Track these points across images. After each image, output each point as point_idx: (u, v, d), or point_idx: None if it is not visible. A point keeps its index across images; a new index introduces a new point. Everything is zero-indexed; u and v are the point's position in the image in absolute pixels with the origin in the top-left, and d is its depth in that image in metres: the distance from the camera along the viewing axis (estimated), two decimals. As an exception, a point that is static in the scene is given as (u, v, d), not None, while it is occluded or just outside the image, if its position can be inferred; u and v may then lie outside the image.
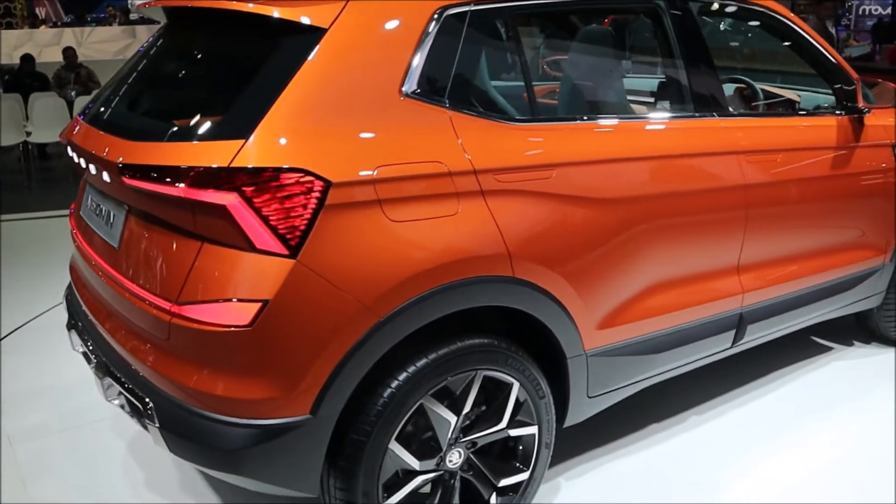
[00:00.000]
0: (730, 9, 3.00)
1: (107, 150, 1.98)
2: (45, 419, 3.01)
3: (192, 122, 1.88)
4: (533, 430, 2.24)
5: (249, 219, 1.74)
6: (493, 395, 2.16)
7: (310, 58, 1.86)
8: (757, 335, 2.86)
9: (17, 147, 7.77)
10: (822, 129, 2.96)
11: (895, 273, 3.36)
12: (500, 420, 2.17)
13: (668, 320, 2.49)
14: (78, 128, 2.26)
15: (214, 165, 1.74)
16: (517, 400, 2.18)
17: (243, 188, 1.73)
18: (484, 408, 2.16)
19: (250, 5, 1.96)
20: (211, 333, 1.78)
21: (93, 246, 2.29)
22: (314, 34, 1.89)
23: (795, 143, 2.84)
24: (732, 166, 2.57)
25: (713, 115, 2.59)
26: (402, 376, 1.94)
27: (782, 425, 2.93)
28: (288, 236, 1.75)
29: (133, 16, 14.96)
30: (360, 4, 1.96)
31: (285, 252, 1.75)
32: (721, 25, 4.35)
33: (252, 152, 1.75)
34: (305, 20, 1.89)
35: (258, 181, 1.73)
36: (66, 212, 2.71)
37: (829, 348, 3.60)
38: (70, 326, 2.43)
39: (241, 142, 1.76)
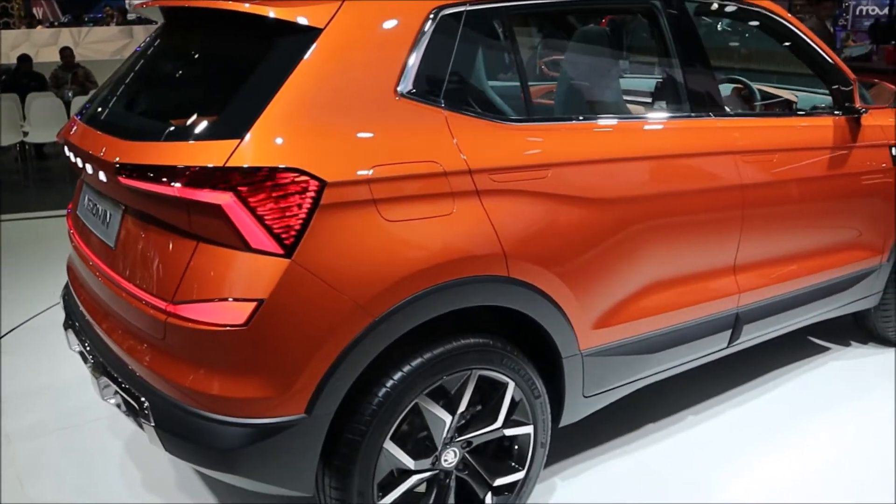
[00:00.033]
0: (727, 9, 3.00)
1: (103, 149, 1.98)
2: (42, 418, 3.01)
3: (188, 121, 1.88)
4: (528, 429, 2.24)
5: (244, 218, 1.74)
6: (489, 394, 2.16)
7: (305, 58, 1.86)
8: (753, 335, 2.87)
9: (15, 147, 7.78)
10: (819, 129, 2.96)
11: (892, 273, 3.36)
12: (495, 419, 2.17)
13: (664, 320, 2.50)
14: (75, 128, 2.27)
15: (210, 165, 1.74)
16: (512, 399, 2.18)
17: (238, 188, 1.73)
18: (479, 407, 2.17)
19: (246, 5, 1.96)
20: (206, 333, 1.79)
21: (90, 245, 2.29)
22: (310, 34, 1.89)
23: (792, 144, 2.85)
24: (729, 166, 2.57)
25: (709, 116, 2.60)
26: (397, 376, 1.94)
27: (779, 425, 2.93)
28: (283, 236, 1.76)
29: (130, 16, 14.94)
30: (356, 4, 1.96)
31: (280, 251, 1.76)
32: (719, 26, 4.35)
33: (247, 152, 1.75)
34: (301, 20, 1.90)
35: (253, 181, 1.74)
36: (64, 212, 2.72)
37: (827, 348, 3.60)
38: (67, 326, 2.43)
39: (237, 141, 1.76)
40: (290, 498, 2.05)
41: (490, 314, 2.16)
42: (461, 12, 2.07)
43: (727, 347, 2.79)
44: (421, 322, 1.93)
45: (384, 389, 1.93)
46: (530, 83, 2.53)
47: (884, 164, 3.15)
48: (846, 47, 9.79)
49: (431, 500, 2.15)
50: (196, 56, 2.32)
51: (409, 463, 2.04)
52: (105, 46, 13.18)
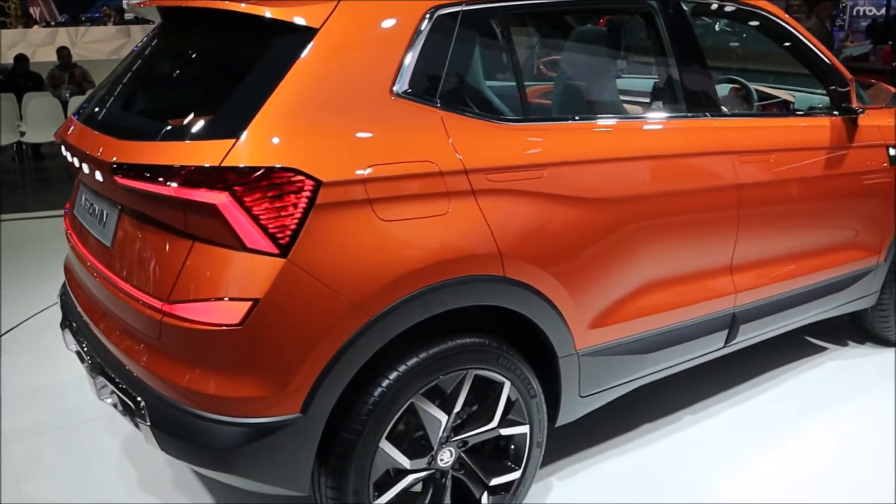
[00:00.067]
0: (724, 9, 3.00)
1: (99, 149, 1.99)
2: (40, 418, 3.01)
3: (185, 121, 1.89)
4: (524, 429, 2.25)
5: (240, 218, 1.74)
6: (485, 394, 2.16)
7: (301, 58, 1.86)
8: (750, 335, 2.87)
9: (11, 147, 7.77)
10: (816, 129, 2.96)
11: (889, 273, 3.36)
12: (491, 419, 2.17)
13: (661, 320, 2.50)
14: (72, 127, 2.27)
15: (205, 164, 1.75)
16: (508, 399, 2.18)
17: (234, 187, 1.73)
18: (475, 407, 2.17)
19: (242, 5, 1.97)
20: (201, 332, 1.79)
21: (86, 245, 2.29)
22: (306, 34, 1.89)
23: (789, 144, 2.85)
24: (725, 166, 2.57)
25: (706, 116, 2.60)
26: (393, 375, 1.94)
27: (776, 425, 2.93)
28: (278, 235, 1.76)
29: (128, 15, 14.93)
30: (352, 4, 1.96)
31: (275, 251, 1.76)
32: (716, 26, 4.36)
33: (243, 152, 1.76)
34: (297, 20, 1.90)
35: (249, 180, 1.74)
36: (61, 212, 2.72)
37: (824, 348, 3.60)
38: (64, 325, 2.44)
39: (232, 141, 1.77)
40: (287, 497, 2.05)
41: (486, 314, 2.17)
42: (457, 12, 2.07)
43: (724, 347, 2.79)
44: (416, 322, 1.93)
45: (380, 389, 1.93)
46: (528, 83, 2.54)
47: (881, 165, 3.16)
48: (845, 47, 9.81)
49: (427, 500, 2.15)
50: (193, 56, 2.33)
51: (405, 462, 2.04)
52: (102, 46, 13.18)
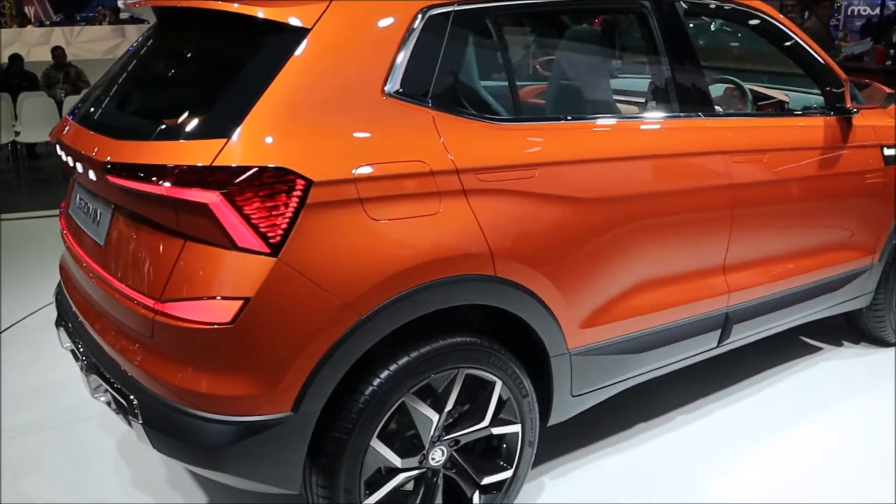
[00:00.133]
0: (718, 10, 3.00)
1: (93, 148, 1.99)
2: (36, 416, 3.02)
3: (178, 121, 1.89)
4: (516, 428, 2.25)
5: (231, 217, 1.75)
6: (476, 393, 2.17)
7: (293, 58, 1.87)
8: (743, 335, 2.87)
9: (6, 147, 7.77)
10: (810, 129, 2.97)
11: (884, 273, 3.36)
12: (482, 418, 2.18)
13: (653, 319, 2.50)
14: (67, 127, 2.28)
15: (197, 164, 1.76)
16: (500, 398, 2.19)
17: (225, 187, 1.74)
18: (467, 406, 2.18)
19: (235, 5, 1.98)
20: (193, 331, 1.80)
21: (81, 244, 2.30)
22: (298, 34, 1.90)
23: (782, 144, 2.85)
24: (718, 166, 2.58)
25: (699, 115, 2.60)
26: (384, 374, 1.95)
27: (771, 425, 2.94)
28: (269, 234, 1.77)
29: (123, 15, 14.92)
30: (344, 4, 1.97)
31: (266, 250, 1.77)
32: (712, 26, 4.36)
33: (234, 151, 1.76)
34: (289, 20, 1.91)
35: (240, 180, 1.75)
36: (56, 212, 2.73)
37: (819, 348, 3.61)
38: (58, 324, 2.45)
39: (224, 141, 1.77)
40: (280, 496, 2.06)
41: (478, 313, 2.17)
42: (449, 12, 2.08)
43: (717, 347, 2.80)
44: (407, 321, 1.94)
45: (371, 388, 1.94)
46: (522, 83, 2.54)
47: (875, 165, 3.16)
48: (844, 46, 9.83)
49: (419, 499, 2.16)
50: (187, 56, 2.33)
51: (396, 461, 2.05)
52: (97, 46, 13.16)
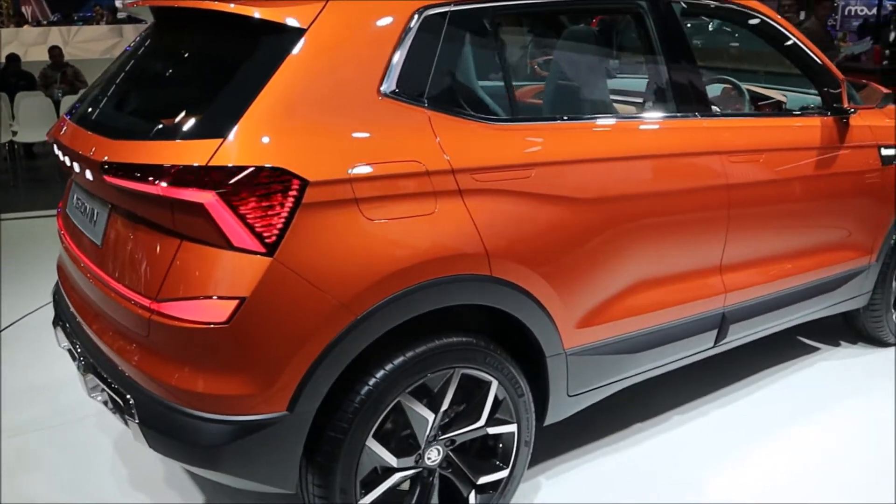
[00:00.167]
0: (715, 10, 3.01)
1: (90, 148, 2.00)
2: (33, 415, 3.03)
3: (174, 120, 1.90)
4: (512, 428, 2.25)
5: (226, 217, 1.76)
6: (472, 393, 2.17)
7: (289, 58, 1.88)
8: (740, 335, 2.87)
9: (4, 147, 7.78)
10: (807, 129, 2.97)
11: (881, 273, 3.37)
12: (478, 418, 2.18)
13: (649, 319, 2.51)
14: (65, 127, 2.28)
15: (193, 164, 1.76)
16: (496, 398, 2.19)
17: (221, 187, 1.74)
18: (462, 406, 2.18)
19: (231, 6, 1.98)
20: (189, 330, 1.80)
21: (78, 244, 2.31)
22: (294, 34, 1.90)
23: (779, 144, 2.85)
24: (714, 166, 2.58)
25: (696, 115, 2.61)
26: (380, 374, 1.95)
27: (768, 425, 2.94)
28: (265, 234, 1.77)
29: (121, 15, 14.91)
30: (340, 4, 1.97)
31: (262, 250, 1.77)
32: (710, 26, 4.37)
33: (230, 151, 1.77)
34: (285, 20, 1.91)
35: (235, 180, 1.75)
36: (53, 211, 2.73)
37: (816, 348, 3.61)
38: (56, 323, 2.45)
39: (220, 141, 1.78)
40: (277, 495, 2.07)
41: (475, 313, 2.17)
42: (445, 12, 2.08)
43: (713, 347, 2.80)
44: (403, 321, 1.94)
45: (366, 387, 1.94)
46: (519, 83, 2.54)
47: (872, 165, 3.16)
48: (843, 46, 9.85)
49: (415, 499, 2.16)
50: (185, 56, 2.34)
51: (392, 461, 2.05)
52: (94, 45, 13.15)
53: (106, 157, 1.89)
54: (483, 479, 2.24)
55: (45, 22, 18.25)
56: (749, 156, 2.72)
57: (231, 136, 1.78)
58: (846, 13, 15.39)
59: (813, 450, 2.79)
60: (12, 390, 3.22)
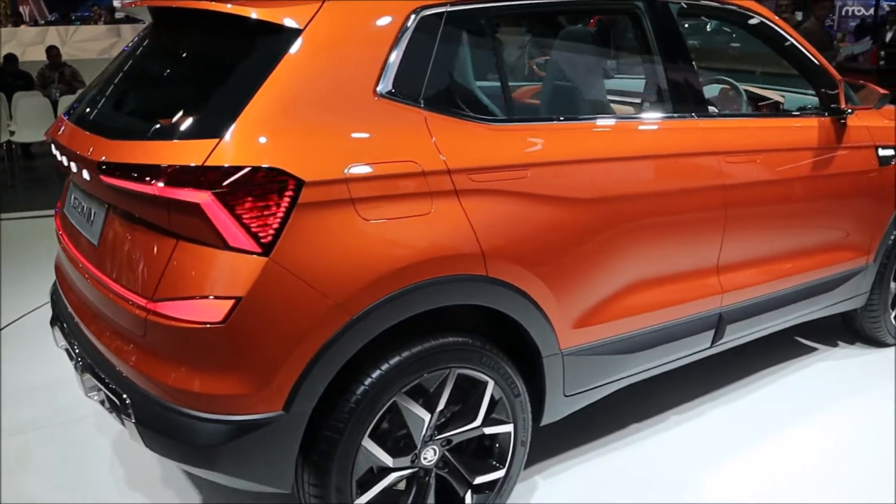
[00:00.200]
0: (712, 11, 3.01)
1: (87, 148, 2.00)
2: (31, 415, 3.03)
3: (172, 120, 1.90)
4: (508, 428, 2.26)
5: (222, 217, 1.76)
6: (468, 393, 2.17)
7: (285, 58, 1.88)
8: (737, 335, 2.88)
9: (1, 146, 7.79)
10: (804, 129, 2.97)
11: (878, 274, 3.37)
12: (474, 418, 2.18)
13: (646, 320, 2.51)
14: (63, 127, 2.29)
15: (189, 164, 1.76)
16: (492, 398, 2.20)
17: (216, 187, 1.75)
18: (459, 406, 2.18)
19: (229, 6, 1.98)
20: (185, 330, 1.80)
21: (75, 243, 2.31)
22: (290, 34, 1.91)
23: (776, 144, 2.86)
24: (711, 167, 2.58)
25: (692, 116, 2.61)
26: (376, 374, 1.96)
27: (766, 425, 2.94)
28: (261, 234, 1.77)
29: (119, 14, 14.91)
30: (337, 5, 1.98)
31: (258, 250, 1.77)
32: (707, 27, 4.37)
33: (226, 151, 1.77)
34: (282, 20, 1.92)
35: (231, 180, 1.75)
36: (51, 212, 2.73)
37: (814, 349, 3.61)
38: (53, 323, 2.45)
39: (216, 141, 1.78)
40: (273, 495, 2.07)
41: (471, 313, 2.17)
42: (442, 13, 2.08)
43: (710, 347, 2.80)
44: (398, 321, 1.95)
45: (362, 387, 1.95)
46: (517, 84, 2.54)
47: (870, 165, 3.16)
48: (842, 47, 9.86)
49: (411, 498, 2.16)
50: (182, 56, 2.34)
51: (388, 461, 2.05)
52: (92, 45, 13.16)
53: (103, 157, 1.90)
54: (479, 479, 2.25)
55: (42, 22, 18.26)
56: (746, 156, 2.72)
57: (227, 136, 1.78)
58: (843, 13, 15.42)
59: (811, 450, 2.79)
60: (11, 389, 3.23)
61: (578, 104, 2.63)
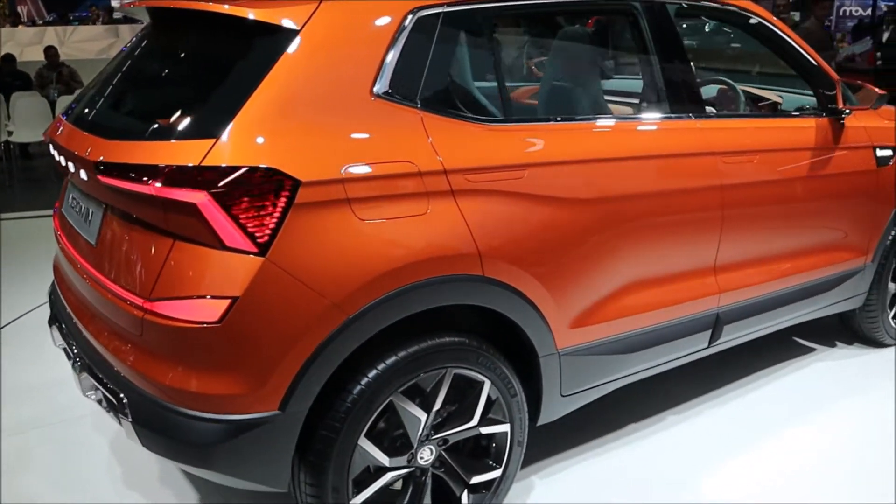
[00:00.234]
0: (710, 11, 3.01)
1: (84, 148, 2.01)
2: (31, 414, 3.03)
3: (169, 121, 1.91)
4: (505, 427, 2.26)
5: (219, 217, 1.76)
6: (465, 392, 2.18)
7: (282, 58, 1.88)
8: (734, 336, 2.88)
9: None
10: (801, 130, 2.97)
11: (876, 274, 3.37)
12: (471, 418, 2.19)
13: (643, 320, 2.51)
14: (61, 127, 2.29)
15: (186, 164, 1.77)
16: (489, 398, 2.20)
17: (213, 187, 1.75)
18: (455, 405, 2.18)
19: (226, 7, 1.99)
20: (181, 329, 1.81)
21: (73, 243, 2.32)
22: (288, 34, 1.91)
23: (773, 145, 2.86)
24: (708, 167, 2.58)
25: (689, 116, 2.61)
26: (372, 373, 1.96)
27: (764, 425, 2.94)
28: (257, 234, 1.78)
29: (117, 15, 14.90)
30: (334, 5, 1.98)
31: (254, 250, 1.78)
32: (706, 27, 4.37)
33: (223, 151, 1.78)
34: (279, 21, 1.92)
35: (228, 180, 1.76)
36: (49, 212, 2.74)
37: (812, 349, 3.61)
38: (51, 322, 2.46)
39: (213, 141, 1.78)
40: (270, 494, 2.07)
41: (468, 313, 2.18)
42: (438, 14, 2.09)
43: (708, 348, 2.80)
44: (395, 321, 1.95)
45: (358, 387, 1.95)
46: (515, 84, 2.54)
47: (868, 166, 3.17)
48: (841, 48, 9.87)
49: (407, 498, 2.16)
50: (181, 56, 2.35)
51: (384, 460, 2.06)
52: (90, 45, 13.14)
53: (101, 157, 1.90)
54: (476, 479, 2.25)
55: (40, 22, 18.25)
56: (743, 156, 2.72)
57: (224, 136, 1.79)
58: (841, 13, 15.43)
59: (809, 450, 2.80)
60: (11, 388, 3.23)
61: (575, 104, 2.63)
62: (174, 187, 1.77)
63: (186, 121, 1.87)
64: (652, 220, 2.45)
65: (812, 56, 3.01)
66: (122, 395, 1.95)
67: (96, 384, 2.07)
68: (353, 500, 2.05)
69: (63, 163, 2.19)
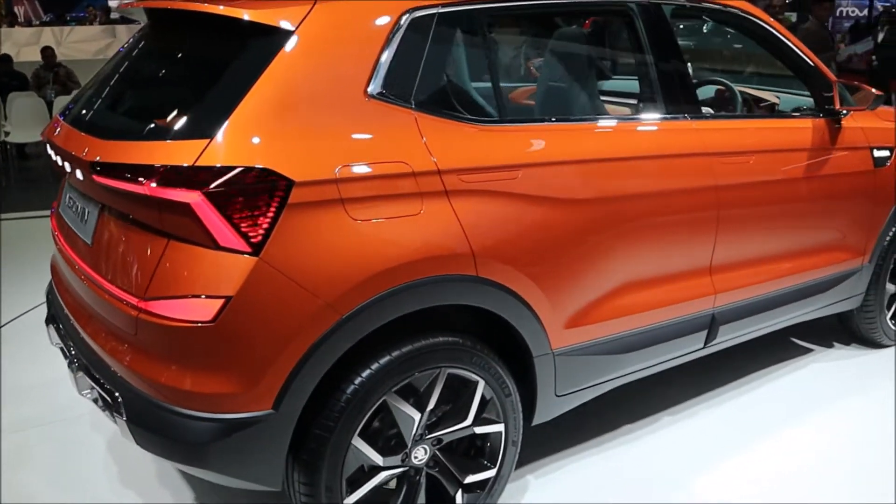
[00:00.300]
0: (707, 13, 3.01)
1: (81, 148, 2.02)
2: (30, 413, 3.04)
3: (165, 121, 1.92)
4: (499, 427, 2.26)
5: (213, 217, 1.77)
6: (459, 392, 2.18)
7: (276, 59, 1.89)
8: (730, 336, 2.87)
9: (-4, 147, 7.82)
10: (798, 130, 2.97)
11: (874, 275, 3.37)
12: (465, 417, 2.19)
13: (638, 320, 2.51)
14: (58, 128, 2.30)
15: (182, 164, 1.77)
16: (483, 397, 2.20)
17: (207, 187, 1.76)
18: (449, 405, 2.19)
19: (221, 7, 2.00)
20: (175, 329, 1.82)
21: (70, 243, 2.33)
22: (283, 35, 1.92)
23: (770, 145, 2.86)
24: (703, 168, 2.59)
25: (685, 117, 2.61)
26: (365, 373, 1.97)
27: (761, 426, 2.93)
28: (250, 234, 1.78)
29: (114, 15, 14.89)
30: (328, 6, 1.99)
31: (248, 250, 1.79)
32: (704, 28, 4.37)
33: (217, 151, 1.78)
34: (274, 22, 1.93)
35: (222, 180, 1.76)
36: (46, 212, 2.75)
37: (810, 350, 3.61)
38: (48, 322, 2.47)
39: (207, 141, 1.79)
40: (264, 493, 2.08)
41: (462, 313, 2.18)
42: (433, 14, 2.09)
43: (703, 348, 2.80)
44: (388, 320, 1.96)
45: (352, 386, 1.96)
46: (510, 85, 2.54)
47: (865, 166, 3.16)
48: (843, 48, 9.87)
49: (401, 498, 2.17)
50: (177, 57, 2.35)
51: (378, 459, 2.06)
52: (87, 46, 13.11)
53: (97, 158, 1.91)
54: (470, 479, 2.25)
55: (37, 22, 18.24)
56: (739, 157, 2.72)
57: (218, 136, 1.80)
58: (838, 14, 15.44)
59: (806, 451, 2.79)
60: (11, 387, 3.24)
61: (571, 105, 2.63)
62: (168, 187, 1.78)
63: (182, 121, 1.88)
64: (647, 220, 2.46)
65: (809, 57, 3.01)
66: (116, 394, 1.96)
67: (92, 383, 2.08)
68: (347, 500, 2.05)
69: (60, 163, 2.20)
